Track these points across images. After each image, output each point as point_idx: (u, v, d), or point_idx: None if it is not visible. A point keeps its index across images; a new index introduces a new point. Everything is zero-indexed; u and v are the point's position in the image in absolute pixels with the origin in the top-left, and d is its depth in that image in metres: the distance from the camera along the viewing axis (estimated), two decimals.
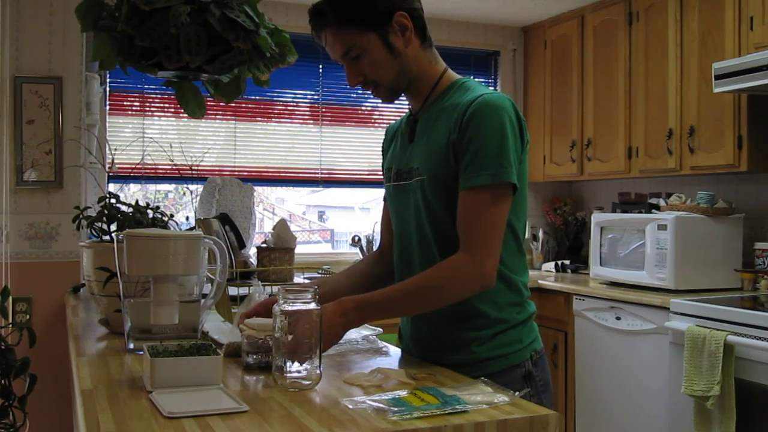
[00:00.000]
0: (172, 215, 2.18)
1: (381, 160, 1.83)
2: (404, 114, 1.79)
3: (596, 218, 3.74)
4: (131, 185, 4.03)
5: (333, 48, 1.58)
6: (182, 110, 1.88)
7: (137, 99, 3.94)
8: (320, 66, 4.34)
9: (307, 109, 4.33)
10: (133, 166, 3.75)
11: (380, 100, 1.67)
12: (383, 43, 1.55)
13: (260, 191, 4.35)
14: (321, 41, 1.61)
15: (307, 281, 3.35)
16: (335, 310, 1.48)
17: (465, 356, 1.56)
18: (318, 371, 1.34)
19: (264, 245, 3.46)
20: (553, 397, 1.68)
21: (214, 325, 1.96)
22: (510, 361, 1.56)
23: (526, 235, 2.68)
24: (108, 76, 3.81)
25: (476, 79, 1.69)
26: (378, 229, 4.47)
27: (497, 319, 1.57)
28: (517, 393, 1.26)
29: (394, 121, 1.84)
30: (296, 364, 1.33)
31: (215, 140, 4.13)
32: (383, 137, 1.85)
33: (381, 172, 1.83)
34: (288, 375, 1.33)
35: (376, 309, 1.51)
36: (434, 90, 1.63)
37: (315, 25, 1.59)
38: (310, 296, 1.35)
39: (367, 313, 1.50)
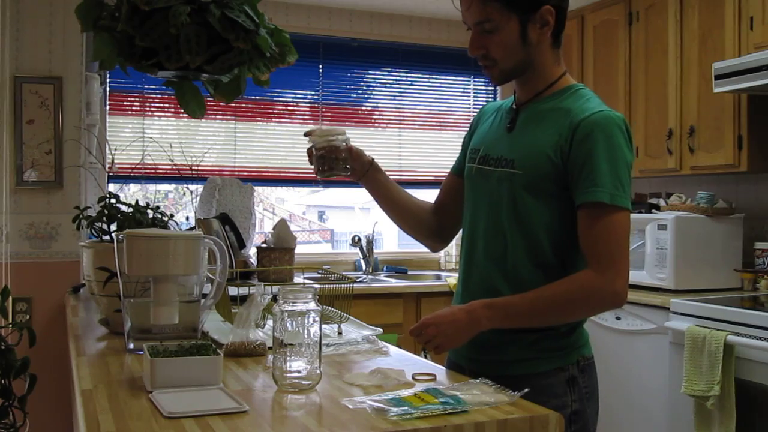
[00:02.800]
0: (172, 215, 2.18)
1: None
2: (501, 101, 1.78)
3: None
4: (131, 185, 4.03)
5: (470, 11, 1.54)
6: (182, 110, 1.88)
7: (137, 99, 3.94)
8: (320, 66, 4.34)
9: (307, 109, 4.33)
10: (133, 166, 3.75)
11: (489, 80, 1.65)
12: (520, 29, 1.53)
13: (260, 191, 4.35)
14: None
15: (307, 281, 3.35)
16: (462, 308, 1.51)
17: (504, 355, 1.56)
18: (318, 371, 1.35)
19: (264, 245, 3.46)
20: (598, 405, 1.63)
21: (214, 325, 1.96)
22: (554, 363, 1.55)
23: None
24: (108, 76, 3.81)
25: (586, 87, 1.66)
26: (377, 228, 4.48)
27: (543, 327, 1.56)
28: (517, 393, 1.26)
29: (492, 101, 1.83)
30: (296, 364, 1.33)
31: (215, 140, 4.13)
32: (478, 112, 1.83)
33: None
34: (288, 375, 1.33)
35: (504, 312, 1.50)
36: (549, 89, 1.61)
37: None
38: (310, 296, 1.36)
39: (496, 314, 1.49)
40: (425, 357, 1.63)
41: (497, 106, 1.76)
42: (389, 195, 1.81)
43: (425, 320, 1.51)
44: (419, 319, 1.59)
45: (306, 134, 1.75)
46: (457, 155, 1.85)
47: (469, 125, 1.90)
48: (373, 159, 1.80)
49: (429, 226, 1.85)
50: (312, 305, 1.35)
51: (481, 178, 1.65)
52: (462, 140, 1.85)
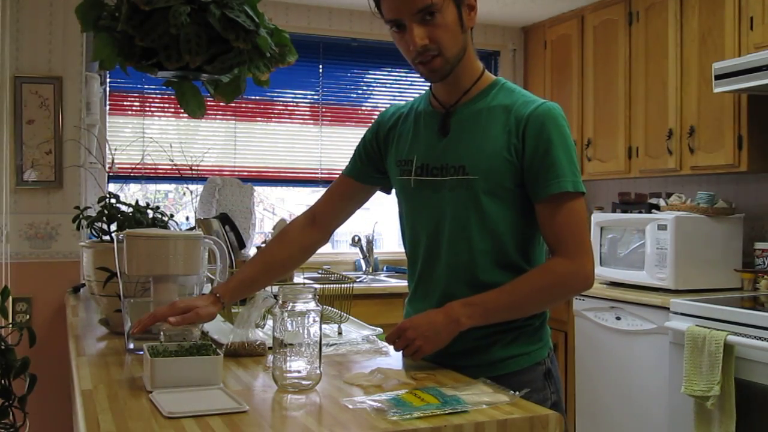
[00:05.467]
0: (172, 215, 2.18)
1: (365, 148, 1.78)
2: (403, 102, 1.75)
3: (596, 218, 3.74)
4: (131, 185, 4.03)
5: (408, 1, 1.47)
6: (182, 110, 1.88)
7: (137, 99, 3.94)
8: (320, 66, 4.34)
9: (307, 109, 4.33)
10: (133, 166, 3.75)
11: (430, 78, 1.58)
12: (458, 13, 1.51)
13: (260, 191, 4.35)
14: None
15: (307, 281, 3.35)
16: (437, 310, 1.49)
17: (484, 358, 1.56)
18: (318, 371, 1.35)
19: (264, 245, 3.46)
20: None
21: (214, 325, 1.95)
22: (533, 359, 1.57)
23: None
24: (108, 76, 3.81)
25: None
26: (377, 228, 4.48)
27: (520, 325, 1.57)
28: (516, 393, 1.26)
29: (385, 109, 1.78)
30: (296, 364, 1.33)
31: (215, 140, 4.13)
32: (373, 124, 1.79)
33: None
34: (288, 375, 1.33)
35: (484, 308, 1.48)
36: (474, 86, 1.60)
37: None
38: (310, 296, 1.36)
39: (475, 310, 1.47)
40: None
41: (405, 111, 1.71)
42: (257, 285, 1.72)
43: (402, 325, 1.49)
44: None
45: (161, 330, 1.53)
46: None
47: None
48: (216, 295, 1.61)
49: (306, 249, 1.77)
50: (312, 305, 1.35)
51: (427, 189, 1.60)
52: (361, 142, 1.79)
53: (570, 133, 1.54)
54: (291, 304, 1.34)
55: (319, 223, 1.77)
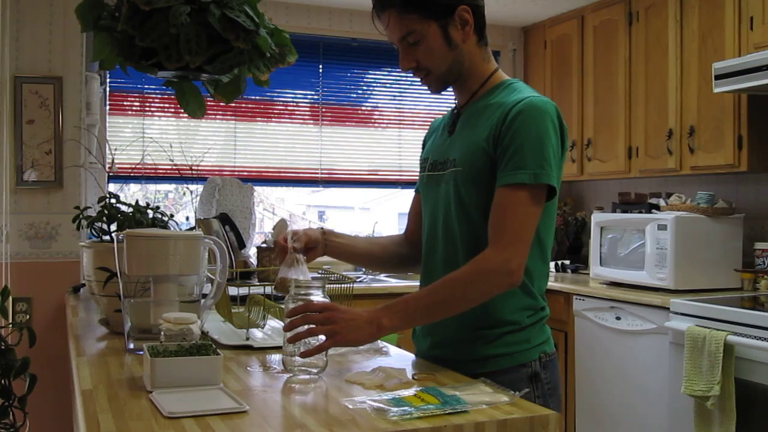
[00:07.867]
0: (172, 215, 2.18)
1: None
2: (448, 110, 1.81)
3: (596, 218, 3.74)
4: (131, 185, 4.03)
5: (392, 30, 1.59)
6: (182, 110, 1.88)
7: (137, 99, 3.94)
8: (320, 66, 4.34)
9: (307, 109, 4.33)
10: (133, 166, 3.75)
11: (429, 90, 1.67)
12: (442, 33, 1.56)
13: (260, 191, 4.36)
14: (379, 21, 1.61)
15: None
16: (365, 310, 1.46)
17: (469, 353, 1.56)
18: (325, 358, 1.40)
19: (264, 245, 3.46)
20: (561, 401, 1.66)
21: (214, 325, 1.96)
22: (516, 360, 1.55)
23: None
24: (108, 76, 3.81)
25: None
26: (377, 228, 4.48)
27: (507, 321, 1.56)
28: (517, 393, 1.26)
29: (439, 117, 1.85)
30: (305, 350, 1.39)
31: (215, 140, 4.13)
32: (426, 131, 1.87)
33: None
34: (296, 360, 1.39)
35: (404, 308, 1.47)
36: (482, 87, 1.64)
37: (377, 4, 1.59)
38: (320, 291, 1.44)
39: (395, 312, 1.46)
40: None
41: (443, 118, 1.80)
42: (357, 246, 1.81)
43: (328, 304, 1.44)
44: None
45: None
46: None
47: None
48: (322, 231, 1.72)
49: (408, 256, 1.83)
50: (320, 297, 1.45)
51: (433, 183, 1.67)
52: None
53: (554, 128, 1.52)
54: (301, 293, 1.44)
55: (410, 241, 1.84)
